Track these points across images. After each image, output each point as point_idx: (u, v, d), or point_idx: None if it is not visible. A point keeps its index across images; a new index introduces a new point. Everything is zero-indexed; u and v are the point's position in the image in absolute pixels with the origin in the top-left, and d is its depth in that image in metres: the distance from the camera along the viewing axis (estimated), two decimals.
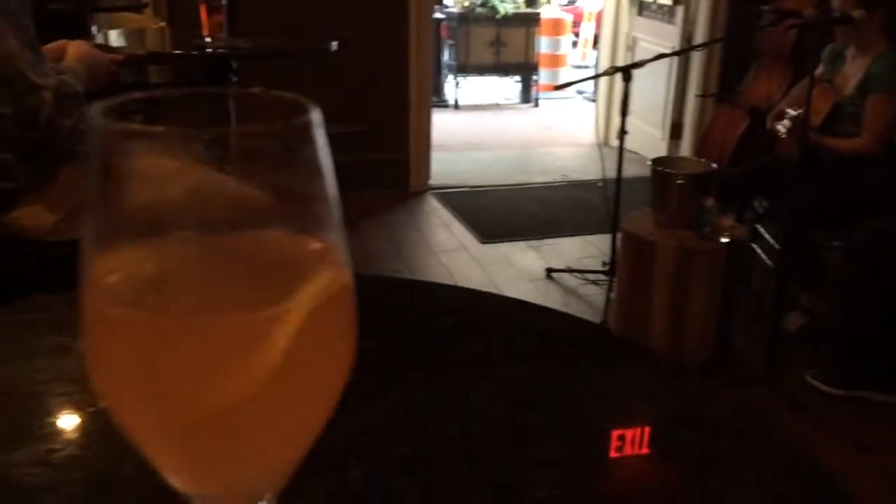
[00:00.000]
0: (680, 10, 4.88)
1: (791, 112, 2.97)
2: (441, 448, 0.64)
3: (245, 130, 0.28)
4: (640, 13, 5.43)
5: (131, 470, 0.60)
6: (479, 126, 6.59)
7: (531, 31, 7.38)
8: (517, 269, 3.69)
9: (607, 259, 3.33)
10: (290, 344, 0.29)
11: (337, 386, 0.33)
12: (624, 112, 3.11)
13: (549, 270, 3.62)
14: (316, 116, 0.29)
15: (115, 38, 3.35)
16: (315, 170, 0.30)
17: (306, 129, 0.29)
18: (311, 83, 3.77)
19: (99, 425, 0.66)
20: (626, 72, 3.08)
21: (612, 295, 3.13)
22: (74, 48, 2.08)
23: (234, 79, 2.76)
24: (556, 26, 7.70)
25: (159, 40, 3.85)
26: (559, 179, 5.07)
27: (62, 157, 1.95)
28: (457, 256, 3.82)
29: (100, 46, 2.24)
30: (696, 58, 4.83)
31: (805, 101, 2.60)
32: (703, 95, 4.84)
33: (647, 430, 0.67)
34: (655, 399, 0.73)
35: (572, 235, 4.08)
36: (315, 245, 0.31)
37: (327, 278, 0.31)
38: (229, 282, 0.31)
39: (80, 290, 0.30)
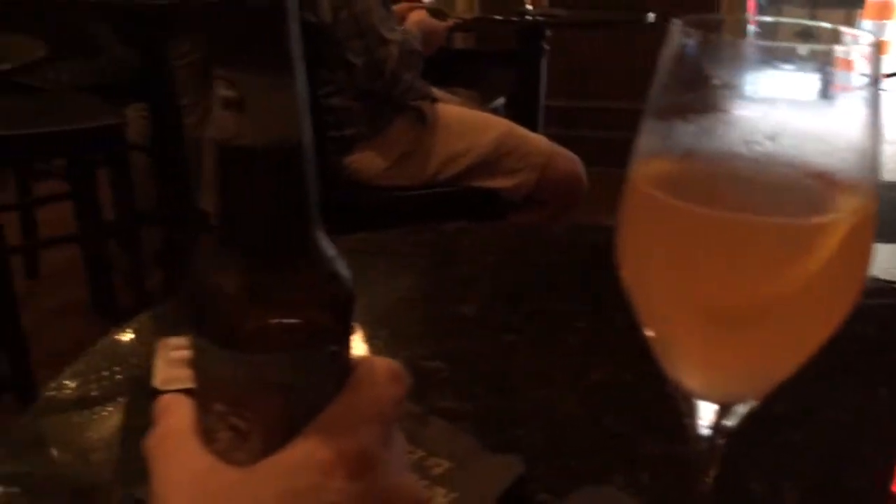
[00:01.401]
0: None
1: None
2: None
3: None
4: None
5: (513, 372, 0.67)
6: None
7: (852, 14, 6.66)
8: None
9: None
10: (828, 255, 0.30)
11: (844, 310, 0.33)
12: None
13: None
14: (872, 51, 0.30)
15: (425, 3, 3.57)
16: (869, 104, 0.31)
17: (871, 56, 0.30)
18: (620, 56, 3.79)
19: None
20: None
21: None
22: (416, 14, 2.28)
23: (547, 47, 2.84)
24: (884, 9, 6.86)
25: (469, 6, 4.04)
26: None
27: (395, 109, 2.15)
28: None
29: (434, 12, 2.41)
30: None
31: None
32: None
33: None
34: None
35: (884, 242, 3.67)
36: (847, 175, 0.32)
37: (861, 202, 0.32)
38: (772, 191, 0.33)
39: (625, 189, 0.34)
